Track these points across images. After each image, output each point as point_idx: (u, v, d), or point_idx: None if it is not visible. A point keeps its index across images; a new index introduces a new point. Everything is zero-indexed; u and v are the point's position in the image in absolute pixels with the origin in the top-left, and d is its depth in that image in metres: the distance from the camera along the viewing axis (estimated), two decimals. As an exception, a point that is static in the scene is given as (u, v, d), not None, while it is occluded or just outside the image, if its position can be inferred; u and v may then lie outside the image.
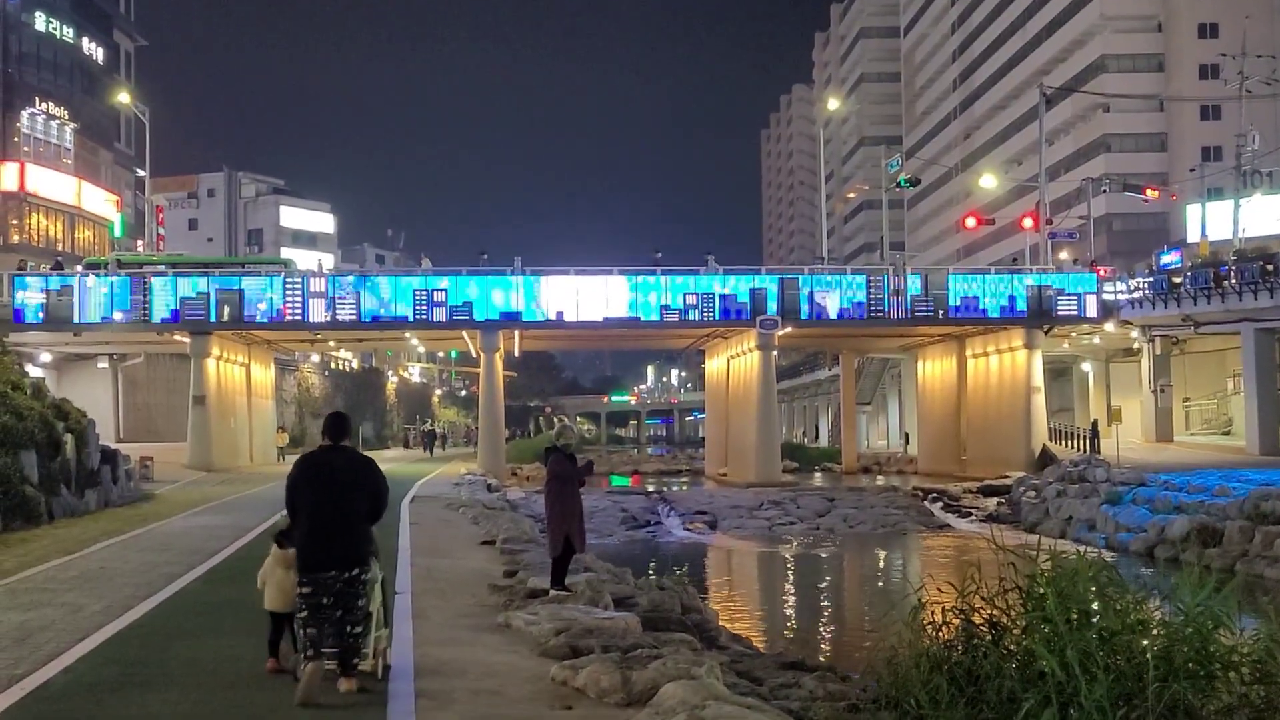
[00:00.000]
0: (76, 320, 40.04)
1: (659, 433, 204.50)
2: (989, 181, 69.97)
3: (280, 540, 7.93)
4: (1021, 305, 41.77)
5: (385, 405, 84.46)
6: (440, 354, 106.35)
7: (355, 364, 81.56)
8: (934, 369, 50.63)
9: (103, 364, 48.50)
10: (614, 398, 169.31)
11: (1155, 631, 5.93)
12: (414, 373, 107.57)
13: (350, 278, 43.85)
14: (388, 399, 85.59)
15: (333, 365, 74.58)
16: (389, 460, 49.51)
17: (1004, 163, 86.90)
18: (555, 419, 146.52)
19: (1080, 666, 5.63)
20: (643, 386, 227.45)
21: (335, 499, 7.28)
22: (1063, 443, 42.37)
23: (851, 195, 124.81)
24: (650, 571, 19.88)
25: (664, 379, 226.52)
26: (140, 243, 59.97)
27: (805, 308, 41.73)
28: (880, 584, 22.42)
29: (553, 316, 41.70)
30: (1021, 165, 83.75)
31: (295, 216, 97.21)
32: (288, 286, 40.95)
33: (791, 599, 20.62)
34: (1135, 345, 44.12)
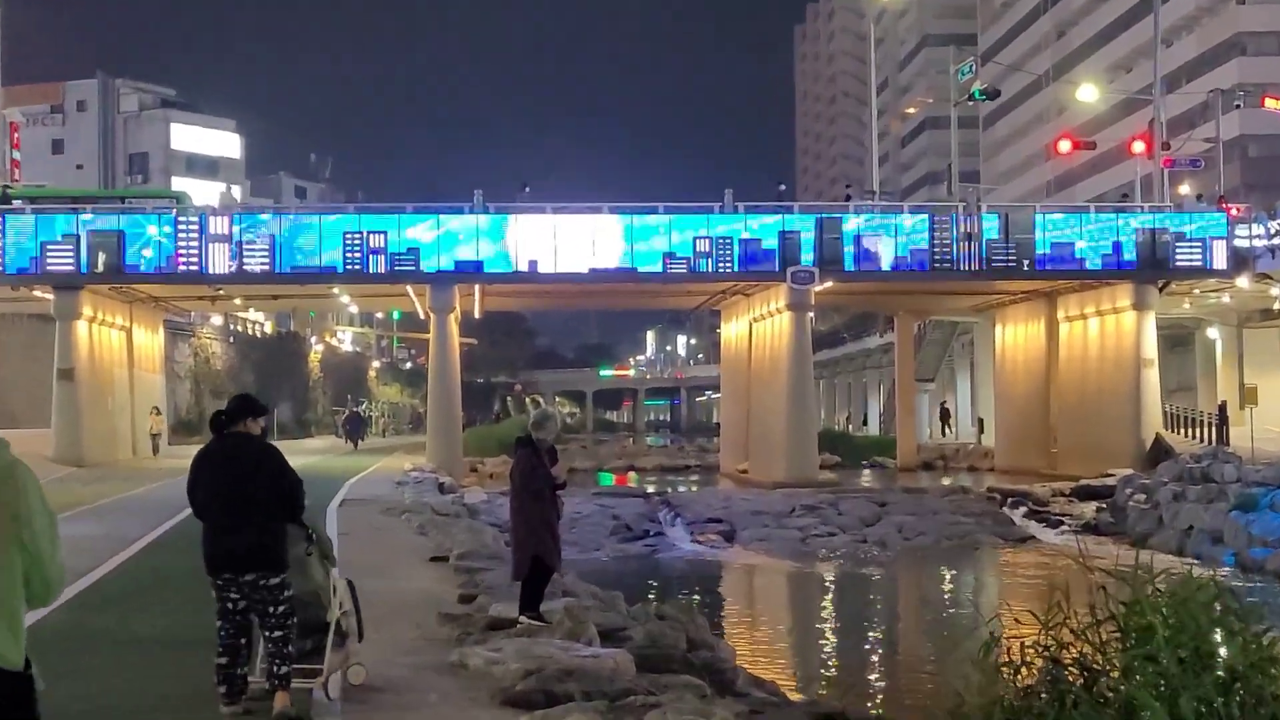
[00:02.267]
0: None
1: (661, 417, 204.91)
2: (1089, 93, 69.65)
3: None
4: (1130, 254, 41.72)
5: (307, 381, 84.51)
6: (379, 315, 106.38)
7: (268, 328, 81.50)
8: (1016, 336, 50.65)
9: (-59, 327, 48.45)
10: (603, 372, 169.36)
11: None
12: (345, 339, 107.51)
13: (263, 216, 43.69)
14: (311, 373, 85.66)
15: (239, 329, 74.54)
16: (312, 452, 49.55)
17: (1108, 69, 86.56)
18: (529, 400, 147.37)
19: (1196, 718, 5.64)
20: (641, 358, 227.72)
21: (228, 493, 8.13)
22: (1181, 431, 42.43)
23: (911, 111, 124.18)
24: (649, 596, 19.93)
25: (668, 348, 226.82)
26: (-11, 170, 59.79)
27: (850, 256, 41.66)
28: (944, 613, 22.52)
29: (524, 267, 41.65)
30: (1130, 73, 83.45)
31: (191, 137, 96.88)
32: (181, 227, 40.86)
33: (830, 632, 20.72)
34: (1277, 306, 44.07)
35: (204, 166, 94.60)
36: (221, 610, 8.23)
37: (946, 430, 71.36)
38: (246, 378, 71.75)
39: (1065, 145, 57.65)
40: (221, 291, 45.48)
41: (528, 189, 43.20)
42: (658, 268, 41.90)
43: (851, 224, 42.30)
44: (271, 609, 8.16)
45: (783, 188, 44.65)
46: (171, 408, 56.71)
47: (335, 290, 46.99)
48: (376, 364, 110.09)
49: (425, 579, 15.73)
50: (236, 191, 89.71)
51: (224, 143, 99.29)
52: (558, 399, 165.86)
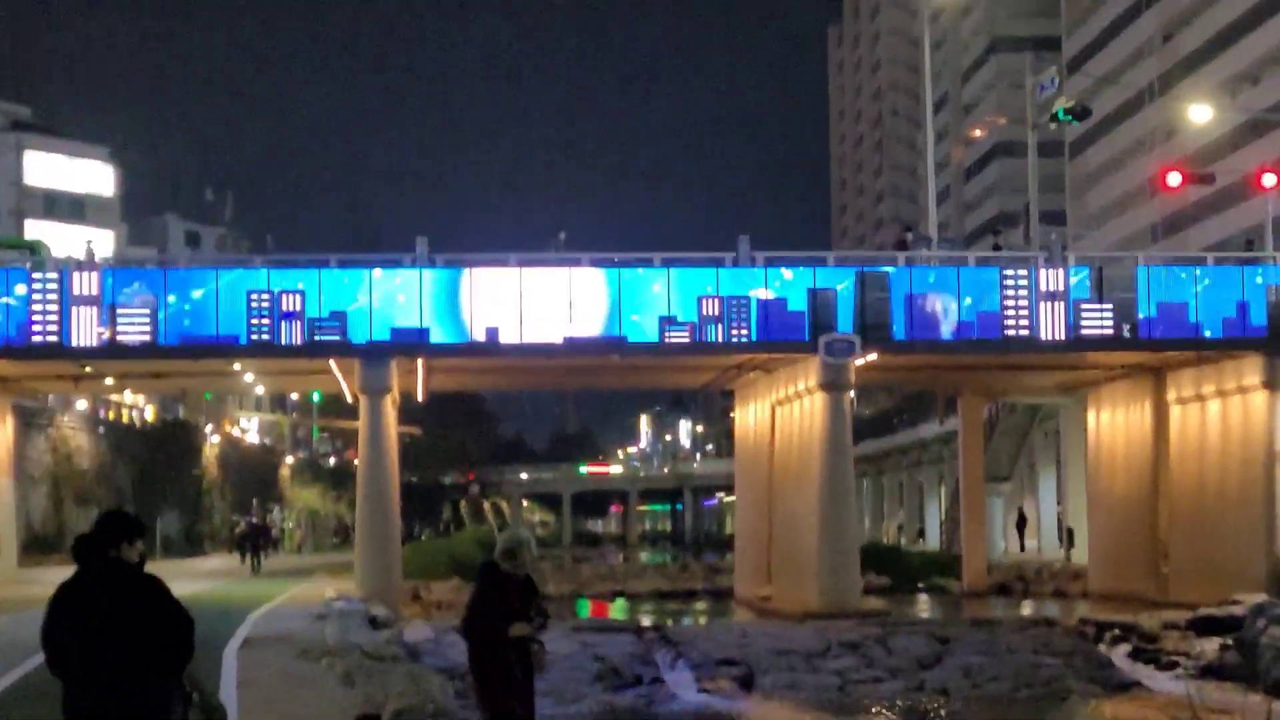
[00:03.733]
0: None
1: (659, 526, 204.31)
2: (1203, 113, 70.31)
3: None
4: (1259, 317, 41.88)
5: (201, 483, 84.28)
6: (295, 398, 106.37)
7: (150, 415, 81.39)
8: (1114, 423, 50.70)
9: None
10: (583, 470, 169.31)
11: None
12: (250, 429, 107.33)
13: (144, 270, 43.72)
14: (206, 472, 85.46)
15: (112, 417, 74.44)
16: (205, 576, 49.32)
17: (1227, 82, 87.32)
18: (488, 506, 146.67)
19: None
20: (633, 449, 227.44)
21: (97, 641, 8.01)
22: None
23: (977, 135, 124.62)
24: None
25: (667, 437, 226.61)
26: None
27: (902, 321, 41.80)
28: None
29: (481, 336, 41.71)
30: (1257, 86, 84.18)
31: (51, 168, 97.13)
32: (36, 287, 40.86)
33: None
34: None
35: (68, 207, 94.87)
36: None
37: (1025, 543, 71.15)
38: (121, 480, 71.49)
39: (1174, 179, 57.88)
40: (89, 369, 45.44)
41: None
42: (653, 336, 41.94)
43: (902, 279, 42.49)
44: None
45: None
46: (22, 518, 56.51)
47: (237, 366, 46.93)
48: (291, 460, 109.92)
49: (351, 743, 15.62)
50: (109, 239, 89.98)
51: (94, 176, 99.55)
52: (526, 503, 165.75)
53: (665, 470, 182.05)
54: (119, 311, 41.03)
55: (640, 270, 42.62)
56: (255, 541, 58.79)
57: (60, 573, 8.58)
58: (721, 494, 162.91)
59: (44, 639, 8.24)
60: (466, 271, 42.21)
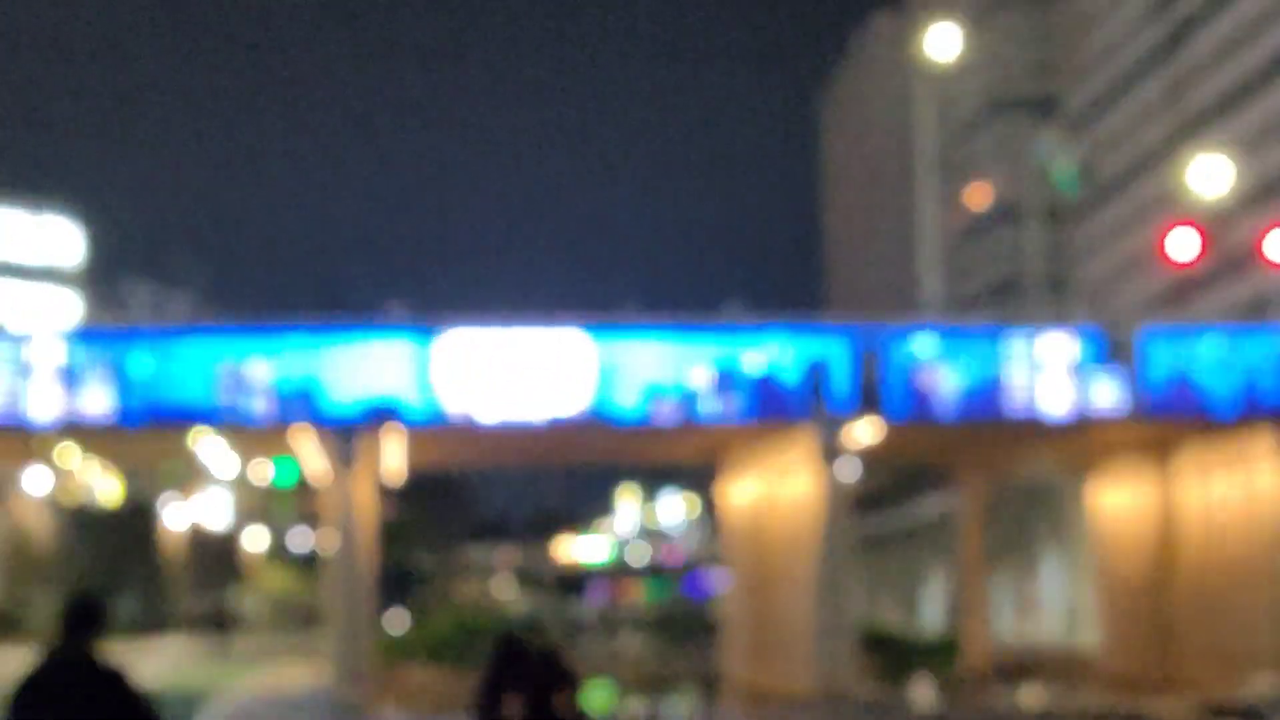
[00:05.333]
0: None
1: (646, 605, 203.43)
2: (1210, 178, 70.57)
3: None
4: (1269, 389, 42.10)
5: (161, 563, 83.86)
6: (261, 473, 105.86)
7: (118, 490, 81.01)
8: (1121, 501, 50.72)
9: None
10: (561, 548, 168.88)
11: None
12: (215, 506, 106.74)
13: (107, 336, 43.69)
14: (168, 551, 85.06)
15: (73, 491, 74.09)
16: (169, 659, 48.96)
17: (1239, 142, 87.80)
18: (474, 586, 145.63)
19: None
20: (619, 525, 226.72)
21: None
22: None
23: (975, 199, 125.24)
24: None
25: (654, 512, 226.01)
26: None
27: (900, 392, 41.84)
28: None
29: (458, 408, 41.63)
30: (1267, 149, 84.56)
31: (15, 230, 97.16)
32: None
33: None
34: None
35: (27, 272, 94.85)
36: None
37: (1028, 625, 71.04)
38: (82, 558, 71.17)
39: (1181, 243, 58.15)
40: (44, 442, 45.31)
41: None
42: (638, 408, 41.91)
43: (900, 348, 42.59)
44: None
45: None
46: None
47: (203, 439, 46.85)
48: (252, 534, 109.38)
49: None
50: (75, 303, 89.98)
51: (57, 239, 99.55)
52: (508, 583, 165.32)
53: (651, 549, 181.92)
54: (79, 381, 40.97)
55: (629, 336, 42.62)
56: (219, 623, 58.57)
57: (19, 654, 8.54)
58: (711, 571, 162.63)
59: None
60: (442, 338, 42.08)
